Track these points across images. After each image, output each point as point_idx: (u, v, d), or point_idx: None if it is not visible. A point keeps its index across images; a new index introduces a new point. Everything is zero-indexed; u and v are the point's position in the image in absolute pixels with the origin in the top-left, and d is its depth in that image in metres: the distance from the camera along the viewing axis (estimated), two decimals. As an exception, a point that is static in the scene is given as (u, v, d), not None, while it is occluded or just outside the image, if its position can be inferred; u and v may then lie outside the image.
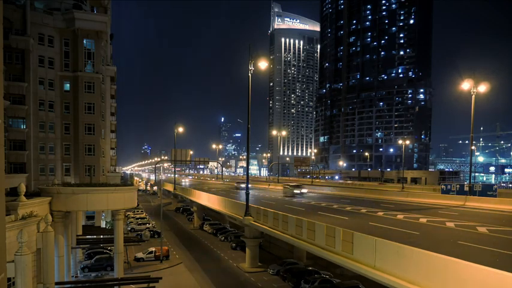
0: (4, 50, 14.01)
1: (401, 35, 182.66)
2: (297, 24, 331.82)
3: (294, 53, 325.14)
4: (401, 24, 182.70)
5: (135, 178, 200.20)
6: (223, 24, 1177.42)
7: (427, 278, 15.15)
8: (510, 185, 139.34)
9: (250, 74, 34.92)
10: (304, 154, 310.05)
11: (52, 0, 47.74)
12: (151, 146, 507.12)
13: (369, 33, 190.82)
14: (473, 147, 63.98)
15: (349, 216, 32.86)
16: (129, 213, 75.39)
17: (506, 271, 12.40)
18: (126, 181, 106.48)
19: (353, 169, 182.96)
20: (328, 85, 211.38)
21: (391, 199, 50.98)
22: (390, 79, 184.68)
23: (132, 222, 67.38)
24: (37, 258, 22.43)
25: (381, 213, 34.76)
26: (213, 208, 52.18)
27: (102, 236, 45.28)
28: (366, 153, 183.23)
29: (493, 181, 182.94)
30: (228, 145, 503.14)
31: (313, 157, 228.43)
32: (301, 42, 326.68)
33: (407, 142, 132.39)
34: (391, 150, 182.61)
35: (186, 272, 41.00)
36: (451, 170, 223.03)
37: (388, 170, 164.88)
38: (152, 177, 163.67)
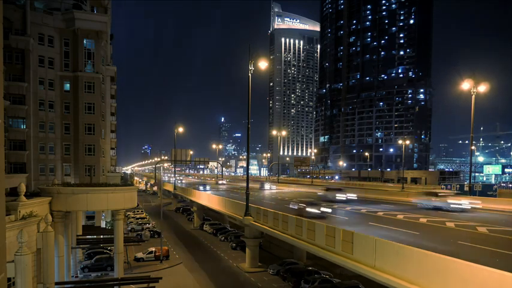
0: (4, 50, 14.00)
1: (401, 35, 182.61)
2: (297, 24, 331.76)
3: (294, 53, 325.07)
4: (401, 24, 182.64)
5: (135, 178, 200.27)
6: (224, 24, 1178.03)
7: (427, 278, 15.15)
8: (510, 185, 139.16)
9: (250, 74, 34.94)
10: (304, 154, 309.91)
11: (52, 0, 47.74)
12: (152, 146, 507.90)
13: (369, 33, 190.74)
14: (473, 147, 63.95)
15: (349, 216, 32.86)
16: (129, 213, 75.37)
17: (506, 271, 12.41)
18: (126, 181, 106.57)
19: (353, 169, 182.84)
20: (328, 85, 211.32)
21: (391, 199, 50.97)
22: (390, 79, 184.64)
23: (132, 222, 67.38)
24: (37, 258, 22.42)
25: (380, 213, 34.75)
26: (213, 208, 52.19)
27: (102, 236, 45.28)
28: (366, 153, 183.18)
29: (493, 181, 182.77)
30: (228, 145, 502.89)
31: (313, 157, 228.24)
32: (301, 42, 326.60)
33: (407, 142, 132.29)
34: (391, 150, 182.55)
35: (186, 272, 40.99)
36: (451, 170, 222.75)
37: (388, 170, 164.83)
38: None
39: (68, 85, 47.30)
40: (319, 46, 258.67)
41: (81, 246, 41.03)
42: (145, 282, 28.77)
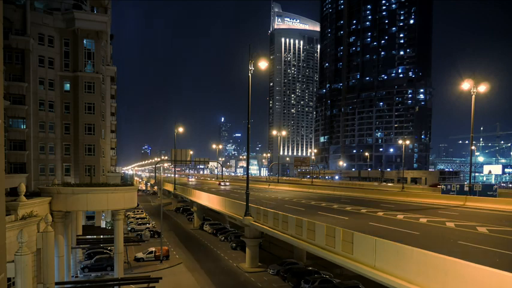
0: (4, 50, 13.97)
1: (401, 35, 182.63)
2: (297, 24, 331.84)
3: (294, 53, 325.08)
4: (401, 24, 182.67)
5: (135, 178, 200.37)
6: (223, 25, 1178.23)
7: (427, 278, 15.15)
8: (510, 185, 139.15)
9: (250, 74, 34.94)
10: (304, 154, 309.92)
11: (52, 0, 47.70)
12: (152, 146, 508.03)
13: (369, 33, 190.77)
14: (473, 147, 63.94)
15: (349, 216, 32.86)
16: (129, 213, 75.36)
17: (506, 271, 12.40)
18: (126, 181, 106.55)
19: (353, 169, 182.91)
20: (328, 85, 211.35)
21: (391, 199, 50.97)
22: (390, 79, 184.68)
23: (132, 222, 67.36)
24: (37, 258, 22.41)
25: (381, 213, 34.76)
26: (213, 208, 52.18)
27: (102, 236, 45.27)
28: (366, 153, 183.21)
29: (493, 181, 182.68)
30: (228, 145, 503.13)
31: (313, 157, 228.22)
32: (301, 42, 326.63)
33: (407, 142, 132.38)
34: (391, 150, 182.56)
35: (186, 272, 40.99)
36: (451, 170, 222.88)
37: (388, 170, 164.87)
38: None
39: (68, 85, 47.26)
40: (319, 46, 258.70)
41: (81, 246, 41.02)
42: (145, 282, 28.74)
